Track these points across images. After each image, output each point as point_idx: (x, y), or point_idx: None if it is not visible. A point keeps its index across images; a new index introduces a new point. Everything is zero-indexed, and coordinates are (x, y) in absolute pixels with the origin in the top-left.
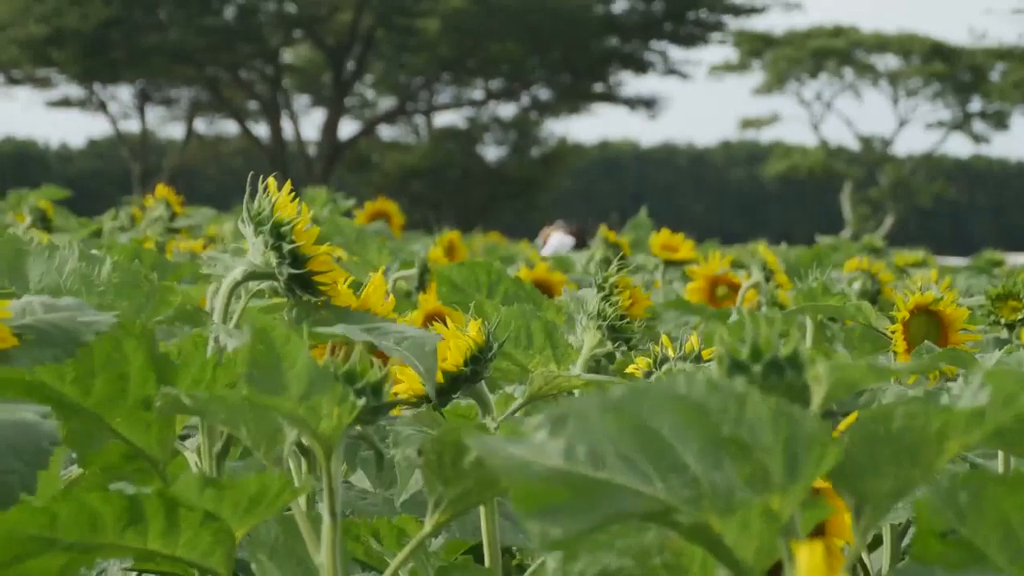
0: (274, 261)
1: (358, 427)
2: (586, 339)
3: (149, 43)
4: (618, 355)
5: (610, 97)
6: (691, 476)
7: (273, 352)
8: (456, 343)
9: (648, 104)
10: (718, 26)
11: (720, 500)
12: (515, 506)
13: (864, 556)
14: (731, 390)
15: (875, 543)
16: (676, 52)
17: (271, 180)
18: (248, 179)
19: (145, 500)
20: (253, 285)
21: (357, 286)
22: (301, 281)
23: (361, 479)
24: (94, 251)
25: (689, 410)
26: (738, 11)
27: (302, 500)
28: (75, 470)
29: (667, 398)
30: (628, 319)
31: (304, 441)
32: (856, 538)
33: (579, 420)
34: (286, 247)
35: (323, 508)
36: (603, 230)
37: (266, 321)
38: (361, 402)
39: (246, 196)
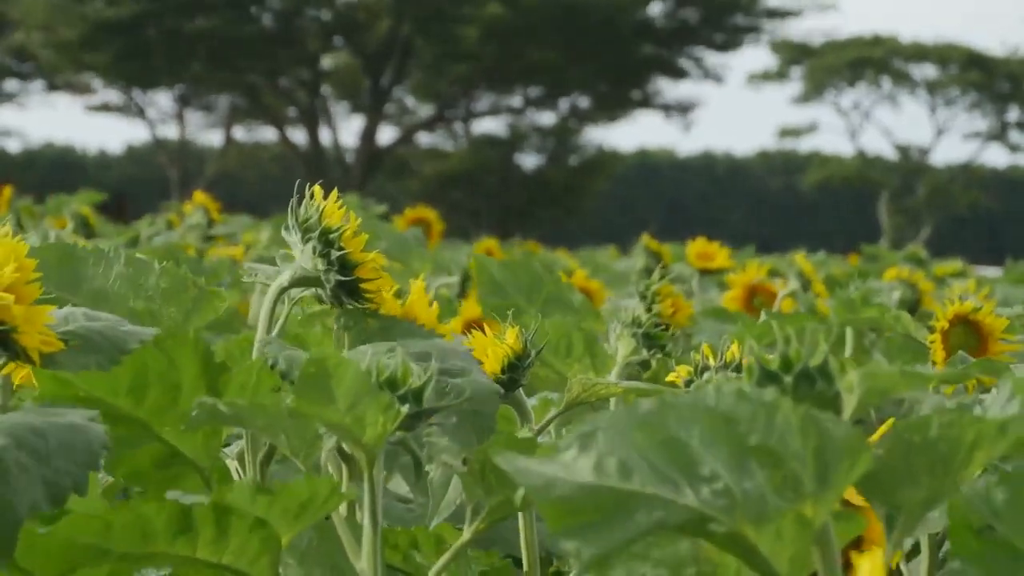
0: (321, 268)
1: (398, 432)
2: (620, 347)
3: (187, 44)
4: (653, 363)
5: (647, 104)
6: (723, 486)
7: (324, 368)
8: (494, 351)
9: (685, 109)
10: (754, 30)
11: (753, 509)
12: (548, 525)
13: (902, 566)
14: (760, 399)
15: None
16: (713, 58)
17: (317, 187)
18: (295, 186)
19: (199, 511)
20: (297, 292)
21: (399, 294)
22: (348, 288)
23: (397, 484)
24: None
25: (717, 420)
26: (774, 15)
27: (342, 506)
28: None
29: (695, 410)
30: (663, 327)
31: (345, 448)
32: (890, 548)
33: (608, 434)
34: (334, 254)
35: (364, 514)
36: (644, 239)
37: (321, 351)
38: (405, 409)
39: (292, 203)
